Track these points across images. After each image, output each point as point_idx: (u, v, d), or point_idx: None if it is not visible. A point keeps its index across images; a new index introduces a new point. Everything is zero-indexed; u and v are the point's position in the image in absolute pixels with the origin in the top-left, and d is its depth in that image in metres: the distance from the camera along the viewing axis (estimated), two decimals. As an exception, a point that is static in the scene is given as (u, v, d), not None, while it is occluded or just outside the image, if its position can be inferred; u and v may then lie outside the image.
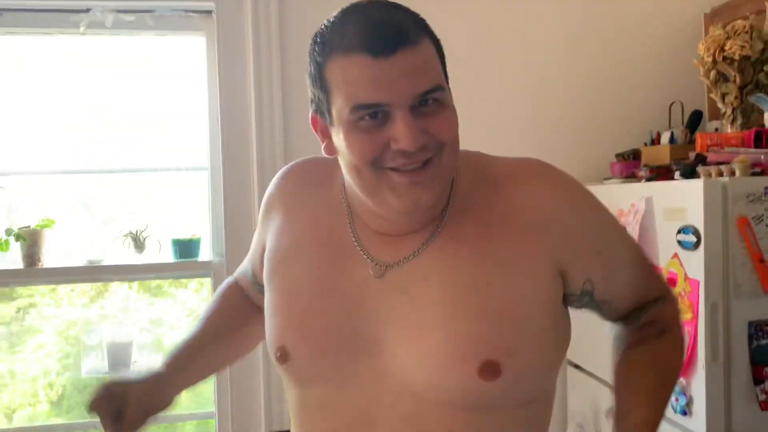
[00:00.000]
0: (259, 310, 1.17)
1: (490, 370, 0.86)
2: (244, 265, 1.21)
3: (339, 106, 0.85)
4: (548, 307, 0.92)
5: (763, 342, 1.63)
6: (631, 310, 1.04)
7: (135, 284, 2.58)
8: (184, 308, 2.67)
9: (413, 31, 0.84)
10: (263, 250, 1.06)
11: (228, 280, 1.25)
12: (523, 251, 0.90)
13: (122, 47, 2.44)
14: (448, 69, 0.91)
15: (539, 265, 0.91)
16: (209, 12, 2.34)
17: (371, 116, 0.83)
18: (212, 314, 1.18)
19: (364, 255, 0.93)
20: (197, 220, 2.47)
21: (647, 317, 1.03)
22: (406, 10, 0.87)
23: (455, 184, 0.94)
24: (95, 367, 2.43)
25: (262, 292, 1.11)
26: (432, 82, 0.84)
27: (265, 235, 1.07)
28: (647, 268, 1.07)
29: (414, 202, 0.87)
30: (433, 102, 0.85)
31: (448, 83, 0.90)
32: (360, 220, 0.96)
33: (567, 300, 0.97)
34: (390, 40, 0.81)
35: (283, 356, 0.95)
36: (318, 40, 0.87)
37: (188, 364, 1.11)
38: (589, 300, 0.98)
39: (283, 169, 1.09)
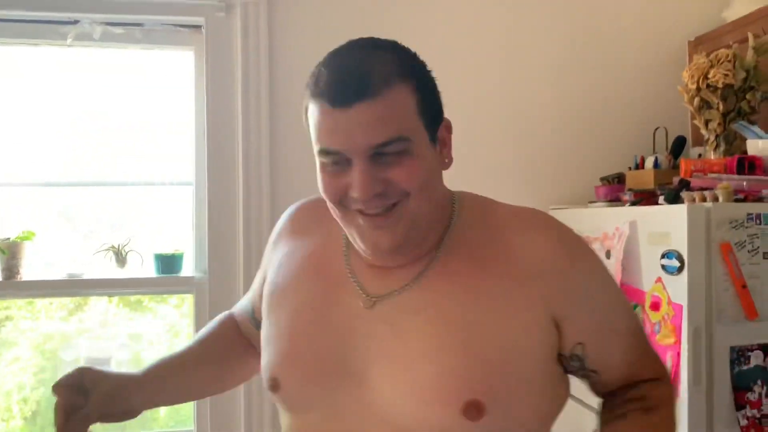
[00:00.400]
0: (251, 347, 1.18)
1: (473, 409, 0.84)
2: (244, 301, 1.21)
3: (313, 145, 0.89)
4: (540, 357, 0.89)
5: (745, 367, 1.64)
6: (620, 385, 0.99)
7: (115, 298, 2.54)
8: (164, 324, 2.63)
9: (381, 83, 0.83)
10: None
11: (226, 312, 1.25)
12: (517, 295, 0.88)
13: (108, 58, 2.42)
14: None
15: (533, 313, 0.88)
16: (198, 27, 2.34)
17: (334, 162, 0.86)
18: (203, 339, 1.18)
19: (357, 286, 0.94)
20: (180, 235, 2.44)
21: (636, 392, 0.99)
22: (387, 56, 0.86)
23: (453, 222, 0.94)
24: (72, 382, 2.37)
25: (259, 329, 1.10)
26: (390, 134, 0.83)
27: (267, 268, 1.08)
28: (644, 343, 1.02)
29: (374, 245, 0.89)
30: (394, 152, 0.84)
31: (435, 126, 0.89)
32: (355, 252, 0.96)
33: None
34: (350, 92, 0.82)
35: (275, 386, 0.95)
36: (308, 79, 0.90)
37: (166, 378, 1.10)
38: (579, 366, 0.95)
39: (297, 203, 1.11)
